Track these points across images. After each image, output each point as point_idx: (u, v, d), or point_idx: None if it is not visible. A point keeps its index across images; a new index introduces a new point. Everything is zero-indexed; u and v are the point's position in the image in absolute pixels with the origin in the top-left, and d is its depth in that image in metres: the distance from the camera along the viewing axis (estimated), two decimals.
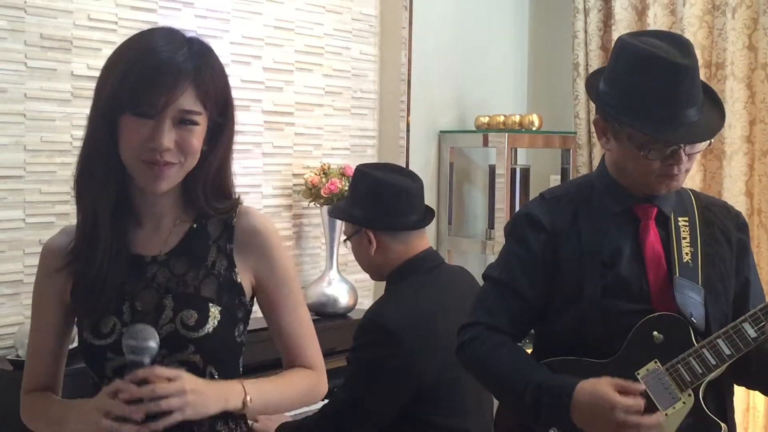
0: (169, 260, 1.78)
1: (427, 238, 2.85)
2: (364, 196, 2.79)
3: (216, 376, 1.78)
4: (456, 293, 2.73)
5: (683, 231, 2.20)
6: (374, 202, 2.76)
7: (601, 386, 2.02)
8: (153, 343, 1.67)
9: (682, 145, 2.07)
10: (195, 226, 1.82)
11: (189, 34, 1.76)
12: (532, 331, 2.32)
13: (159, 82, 1.66)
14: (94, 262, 1.74)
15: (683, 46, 2.10)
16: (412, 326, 2.59)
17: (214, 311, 1.76)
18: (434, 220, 2.92)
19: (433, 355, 2.60)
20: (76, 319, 1.85)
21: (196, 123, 1.71)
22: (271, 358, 3.01)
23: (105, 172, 1.73)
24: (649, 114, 2.05)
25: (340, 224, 3.55)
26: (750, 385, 2.34)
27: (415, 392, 2.61)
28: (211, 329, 1.75)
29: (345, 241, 2.89)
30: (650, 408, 2.08)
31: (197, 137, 1.73)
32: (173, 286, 1.76)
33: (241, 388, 1.74)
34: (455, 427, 2.67)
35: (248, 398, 1.73)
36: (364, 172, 2.84)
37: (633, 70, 2.09)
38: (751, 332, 2.07)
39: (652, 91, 2.06)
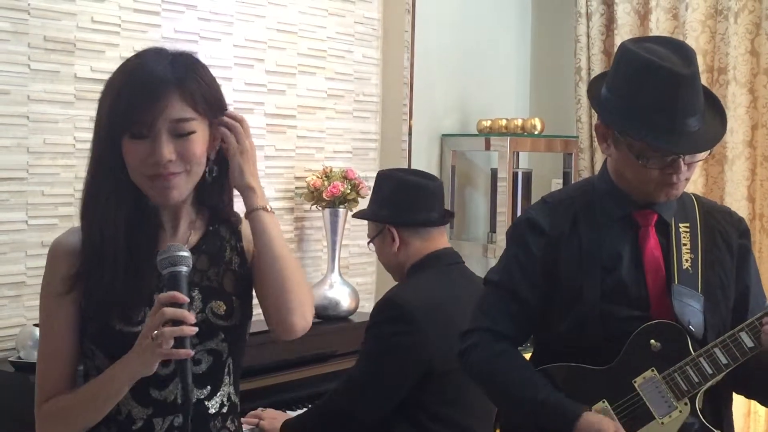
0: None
1: (446, 237, 2.96)
2: (387, 196, 2.91)
3: (231, 369, 1.86)
4: (471, 289, 2.76)
5: (684, 237, 2.20)
6: (397, 200, 2.88)
7: (607, 427, 2.04)
8: (186, 252, 1.71)
9: (682, 155, 2.08)
10: (210, 228, 1.88)
11: (176, 50, 1.80)
12: (532, 335, 2.33)
13: (145, 99, 1.71)
14: (115, 270, 1.75)
15: (685, 54, 2.09)
16: (426, 310, 2.68)
17: (237, 304, 1.84)
18: None
19: (444, 342, 2.63)
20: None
21: (192, 131, 1.74)
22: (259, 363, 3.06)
23: (112, 194, 1.76)
24: (648, 123, 2.05)
25: (341, 227, 3.58)
26: (750, 395, 2.34)
27: (424, 375, 2.66)
28: (237, 321, 1.84)
29: (369, 243, 2.99)
30: (647, 416, 2.09)
31: (198, 144, 1.76)
32: (198, 280, 1.81)
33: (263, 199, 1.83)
34: (459, 422, 2.70)
35: (269, 206, 1.82)
36: (386, 174, 3.00)
37: (633, 77, 2.09)
38: (748, 342, 2.08)
39: (652, 99, 2.06)
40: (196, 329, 1.66)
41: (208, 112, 1.78)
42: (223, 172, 1.84)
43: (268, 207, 1.82)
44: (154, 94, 1.71)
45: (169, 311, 1.64)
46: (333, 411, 2.72)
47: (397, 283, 2.93)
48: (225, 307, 1.82)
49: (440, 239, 2.90)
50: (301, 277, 1.83)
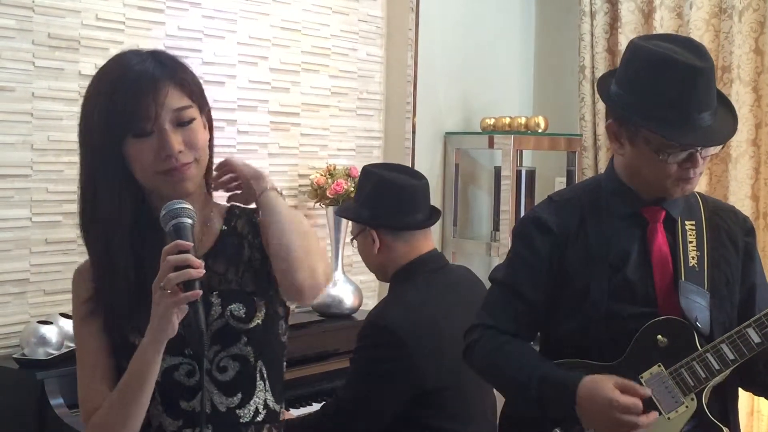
0: (206, 260, 1.77)
1: (431, 239, 2.85)
2: (368, 195, 2.79)
3: (265, 373, 1.81)
4: (461, 295, 2.73)
5: (690, 235, 2.19)
6: (378, 201, 2.76)
7: (603, 383, 2.02)
8: (185, 204, 1.69)
9: (699, 149, 2.07)
10: (225, 228, 1.85)
11: (150, 49, 1.82)
12: (538, 334, 2.33)
13: (143, 94, 1.70)
14: (125, 283, 1.74)
15: (697, 49, 2.09)
16: (414, 329, 2.59)
17: (260, 304, 1.80)
18: (439, 221, 2.92)
19: (436, 358, 2.60)
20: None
21: (193, 117, 1.75)
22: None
23: (115, 206, 1.74)
24: (664, 117, 2.05)
25: (345, 225, 3.56)
26: (757, 392, 2.34)
27: (417, 395, 2.61)
28: (260, 321, 1.79)
29: (351, 240, 2.91)
30: (648, 410, 2.09)
31: (200, 132, 1.76)
32: (216, 284, 1.78)
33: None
34: (459, 431, 2.67)
35: (276, 186, 1.81)
36: (368, 171, 2.86)
37: (648, 72, 2.08)
38: (756, 338, 2.08)
39: (669, 93, 2.05)
40: (202, 271, 1.62)
41: (200, 100, 1.79)
42: (211, 160, 1.84)
43: (277, 189, 1.81)
44: (152, 88, 1.70)
45: (173, 258, 1.61)
46: (326, 427, 2.67)
47: (380, 281, 2.86)
48: (245, 309, 1.78)
49: (425, 242, 2.79)
50: (310, 242, 1.78)
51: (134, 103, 1.69)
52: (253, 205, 1.86)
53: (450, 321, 2.60)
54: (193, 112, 1.75)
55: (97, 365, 1.77)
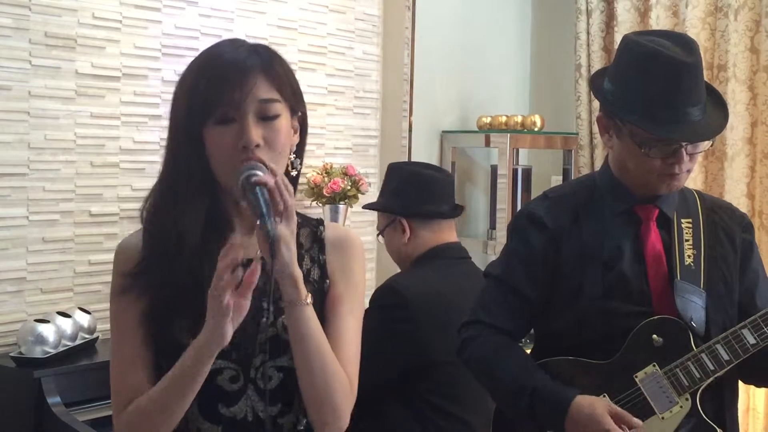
0: (264, 263, 1.65)
1: (455, 231, 2.97)
2: (396, 188, 2.92)
3: None
4: (477, 285, 2.76)
5: (686, 233, 2.20)
6: (408, 192, 2.90)
7: (598, 408, 2.03)
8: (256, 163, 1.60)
9: (684, 144, 2.07)
10: None
11: (253, 42, 1.74)
12: (533, 330, 2.33)
13: (231, 79, 1.63)
14: (182, 274, 1.65)
15: (687, 44, 2.10)
16: (426, 299, 2.70)
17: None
18: None
19: (443, 332, 2.63)
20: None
21: (278, 113, 1.66)
22: None
23: (192, 192, 1.66)
24: (650, 112, 2.05)
25: (342, 223, 3.57)
26: (759, 383, 2.35)
27: (419, 366, 2.67)
28: None
29: (378, 235, 3.00)
30: (647, 411, 2.10)
31: (283, 132, 1.67)
32: (270, 291, 1.66)
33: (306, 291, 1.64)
34: (459, 416, 2.71)
35: (309, 298, 1.63)
36: (396, 166, 3.02)
37: (636, 67, 2.09)
38: (751, 339, 2.08)
39: (654, 88, 2.06)
40: (255, 276, 1.53)
41: (291, 99, 1.70)
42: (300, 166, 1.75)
43: (309, 300, 1.63)
44: (242, 74, 1.63)
45: (224, 265, 1.52)
46: None
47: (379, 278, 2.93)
48: None
49: (449, 233, 2.92)
50: (339, 379, 1.68)
51: (220, 88, 1.62)
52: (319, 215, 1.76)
53: (463, 302, 2.62)
54: (280, 107, 1.66)
55: (133, 348, 1.67)
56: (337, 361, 1.68)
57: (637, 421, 2.04)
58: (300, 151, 1.75)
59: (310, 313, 1.62)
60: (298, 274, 1.59)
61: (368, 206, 3.12)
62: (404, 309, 2.68)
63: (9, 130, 2.88)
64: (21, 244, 2.93)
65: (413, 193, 2.89)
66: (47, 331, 2.76)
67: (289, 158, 1.70)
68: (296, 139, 1.72)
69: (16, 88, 2.89)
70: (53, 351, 2.73)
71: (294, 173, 1.71)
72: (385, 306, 2.72)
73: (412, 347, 2.67)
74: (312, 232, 1.78)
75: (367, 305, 2.74)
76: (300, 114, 1.73)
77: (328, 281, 1.75)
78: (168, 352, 1.65)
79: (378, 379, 2.67)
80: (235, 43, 1.72)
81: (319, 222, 1.80)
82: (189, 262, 1.65)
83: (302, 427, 1.71)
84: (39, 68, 2.94)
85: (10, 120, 2.89)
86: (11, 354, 2.77)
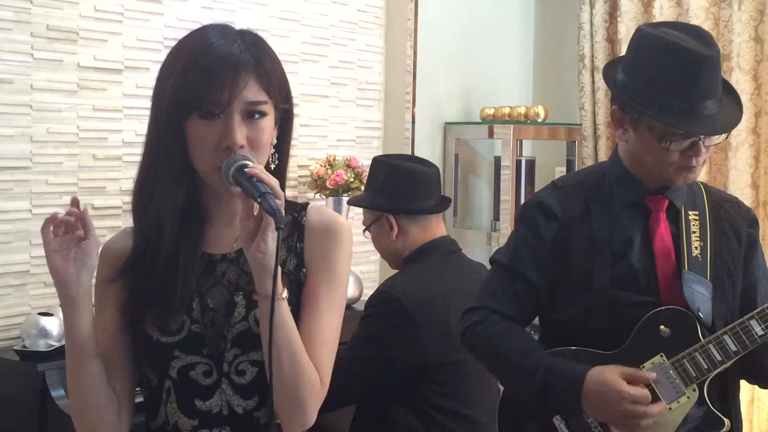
0: (239, 258, 1.69)
1: (443, 225, 2.91)
2: (383, 183, 2.85)
3: None
4: (471, 280, 2.75)
5: (693, 225, 2.19)
6: (394, 188, 2.83)
7: (609, 374, 2.03)
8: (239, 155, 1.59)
9: (702, 138, 2.07)
10: None
11: (242, 28, 1.70)
12: (537, 320, 2.33)
13: (220, 78, 1.60)
14: (158, 264, 1.65)
15: (704, 37, 2.09)
16: (422, 301, 2.65)
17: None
18: None
19: (441, 333, 2.63)
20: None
21: (264, 114, 1.64)
22: None
23: (171, 181, 1.65)
24: (668, 105, 2.04)
25: (345, 216, 3.56)
26: (761, 384, 2.35)
27: (419, 368, 2.65)
28: None
29: (364, 231, 2.93)
30: (654, 401, 2.09)
31: (267, 131, 1.65)
32: (244, 284, 1.68)
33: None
34: (459, 412, 2.70)
35: (284, 293, 1.60)
36: (380, 161, 2.93)
37: (654, 59, 2.07)
38: (758, 329, 2.08)
39: (674, 81, 2.05)
40: None
41: (278, 97, 1.68)
42: (283, 160, 1.72)
43: (285, 295, 1.60)
44: (234, 73, 1.60)
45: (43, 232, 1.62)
46: None
47: (394, 270, 2.91)
48: None
49: (438, 227, 2.87)
50: (308, 376, 1.64)
51: (209, 83, 1.59)
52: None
53: (459, 300, 2.61)
54: (266, 108, 1.65)
55: (107, 345, 1.69)
56: (307, 357, 1.64)
57: (650, 374, 2.06)
58: (283, 143, 1.72)
59: (283, 308, 1.58)
60: (271, 268, 1.53)
61: (353, 202, 3.06)
62: (403, 315, 2.63)
63: (11, 124, 2.88)
64: (24, 238, 2.93)
65: (399, 189, 2.81)
66: (51, 324, 2.76)
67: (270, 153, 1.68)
68: (276, 132, 1.69)
69: (18, 81, 2.89)
70: (57, 344, 2.73)
71: (273, 167, 1.68)
72: (383, 313, 2.68)
73: (412, 351, 2.64)
74: (293, 218, 1.74)
75: (363, 308, 2.75)
76: (284, 107, 1.70)
77: (304, 270, 1.71)
78: (142, 349, 1.69)
79: (380, 383, 2.68)
80: (226, 33, 1.66)
81: (303, 206, 1.77)
82: (165, 255, 1.65)
83: (279, 420, 1.69)
84: (41, 61, 2.93)
85: (13, 113, 2.88)
86: (15, 347, 2.77)
